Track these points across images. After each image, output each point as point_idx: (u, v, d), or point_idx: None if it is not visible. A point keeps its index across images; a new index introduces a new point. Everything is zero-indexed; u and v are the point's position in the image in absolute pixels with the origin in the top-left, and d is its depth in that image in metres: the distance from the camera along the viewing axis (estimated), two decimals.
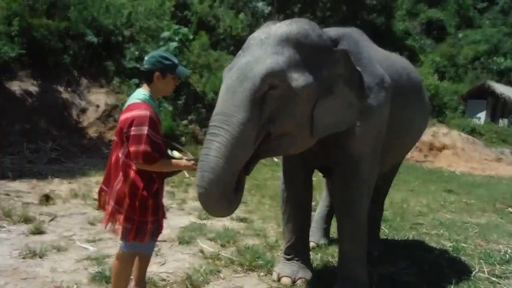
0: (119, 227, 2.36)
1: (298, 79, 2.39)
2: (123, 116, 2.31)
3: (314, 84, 2.45)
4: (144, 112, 2.26)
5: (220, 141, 2.25)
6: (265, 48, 2.42)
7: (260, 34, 2.54)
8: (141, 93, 2.38)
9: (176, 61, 2.42)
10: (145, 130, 2.22)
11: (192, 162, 2.41)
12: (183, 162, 2.40)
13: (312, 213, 3.79)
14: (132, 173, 2.32)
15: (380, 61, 2.96)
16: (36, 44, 8.86)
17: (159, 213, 2.47)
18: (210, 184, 2.23)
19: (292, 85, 2.36)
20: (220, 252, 3.72)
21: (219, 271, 3.35)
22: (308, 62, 2.45)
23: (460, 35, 31.26)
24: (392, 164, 3.76)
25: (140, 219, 2.34)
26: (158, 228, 2.49)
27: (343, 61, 2.55)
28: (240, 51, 2.59)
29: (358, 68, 2.57)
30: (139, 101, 2.32)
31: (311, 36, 2.50)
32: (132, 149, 2.24)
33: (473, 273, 3.71)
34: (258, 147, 2.42)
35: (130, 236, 2.35)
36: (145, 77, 2.40)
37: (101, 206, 2.55)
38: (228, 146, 2.24)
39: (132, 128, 2.24)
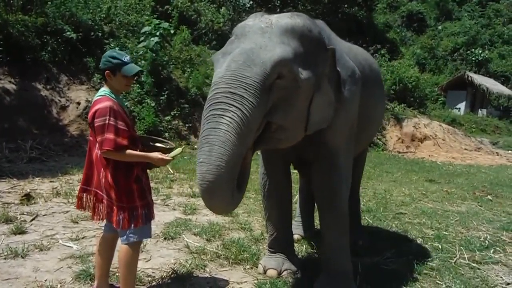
0: (118, 219, 2.47)
1: (302, 72, 2.36)
2: (89, 114, 2.47)
3: (313, 79, 2.45)
4: (105, 104, 2.40)
5: (232, 116, 2.09)
6: (269, 37, 2.34)
7: (257, 22, 2.46)
8: (102, 90, 2.53)
9: (125, 59, 2.49)
10: (107, 119, 2.35)
11: (161, 155, 2.50)
12: (153, 154, 2.49)
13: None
14: (110, 164, 2.43)
15: (346, 53, 2.98)
16: (12, 40, 8.64)
17: (148, 197, 2.57)
18: (220, 159, 2.03)
19: (297, 78, 2.33)
20: (205, 247, 3.73)
21: (205, 266, 3.35)
22: (309, 56, 2.44)
23: (440, 27, 31.75)
24: (362, 151, 3.89)
25: (129, 205, 2.46)
26: (150, 212, 2.58)
27: (330, 61, 2.56)
28: (232, 37, 2.49)
29: (338, 68, 2.60)
30: (100, 96, 2.48)
31: (313, 32, 2.50)
32: (98, 139, 2.37)
33: (454, 259, 3.80)
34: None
35: (124, 224, 2.45)
36: (102, 76, 2.57)
37: (82, 207, 2.63)
38: (240, 123, 2.09)
39: (95, 120, 2.38)
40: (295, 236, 4.10)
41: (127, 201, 2.45)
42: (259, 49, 2.26)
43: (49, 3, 9.68)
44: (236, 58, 2.25)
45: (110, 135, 2.33)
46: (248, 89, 2.15)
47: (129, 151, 2.40)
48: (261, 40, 2.31)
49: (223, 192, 2.10)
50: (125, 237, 2.51)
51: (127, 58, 2.50)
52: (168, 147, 2.69)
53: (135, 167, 2.49)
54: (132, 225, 2.47)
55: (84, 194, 2.60)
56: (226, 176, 2.06)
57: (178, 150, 2.68)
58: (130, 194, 2.46)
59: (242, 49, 2.28)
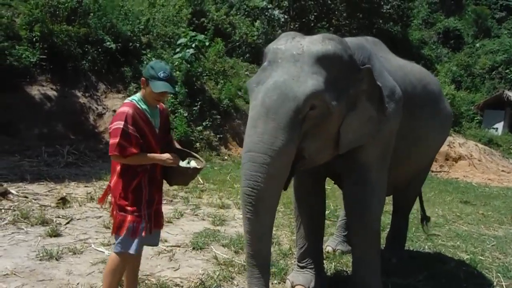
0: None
1: (333, 98, 2.42)
2: None
3: (344, 103, 2.50)
4: (124, 109, 2.40)
5: (267, 172, 2.26)
6: (301, 66, 2.40)
7: (289, 48, 2.48)
8: (134, 95, 2.55)
9: (160, 74, 2.39)
10: (121, 124, 2.33)
11: (169, 156, 2.44)
12: (161, 155, 2.45)
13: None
14: (117, 168, 2.45)
15: (393, 72, 2.96)
16: (55, 49, 9.04)
17: (142, 211, 2.45)
18: (264, 217, 2.34)
19: (329, 106, 2.40)
20: (233, 259, 3.73)
21: (232, 278, 3.35)
22: (340, 81, 2.48)
23: (478, 44, 30.91)
24: (412, 174, 3.74)
25: (120, 213, 2.44)
26: (138, 227, 2.43)
27: (367, 78, 2.58)
28: (265, 64, 2.53)
29: (378, 83, 2.60)
30: (128, 101, 2.48)
31: (344, 57, 2.52)
32: (110, 141, 2.37)
33: (491, 287, 3.65)
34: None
35: (113, 229, 2.47)
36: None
37: (102, 202, 2.70)
38: (275, 175, 2.30)
39: (112, 124, 2.39)
40: (328, 248, 4.08)
41: (118, 209, 2.44)
42: (292, 81, 2.34)
43: (92, 14, 10.08)
44: (270, 93, 2.34)
45: (118, 140, 2.31)
46: (283, 128, 2.28)
47: (137, 155, 2.36)
48: (293, 70, 2.39)
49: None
50: (113, 244, 2.52)
51: (163, 74, 2.41)
52: (199, 167, 2.60)
53: (139, 176, 2.44)
54: (118, 233, 2.43)
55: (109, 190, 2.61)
56: (269, 231, 2.44)
57: (195, 164, 2.59)
58: (123, 202, 2.43)
59: (275, 82, 2.37)
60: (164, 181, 2.66)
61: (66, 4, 9.61)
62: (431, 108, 3.52)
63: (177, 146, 2.77)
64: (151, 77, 2.42)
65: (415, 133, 3.21)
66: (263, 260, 2.42)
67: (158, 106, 2.58)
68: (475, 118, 22.40)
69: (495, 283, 3.72)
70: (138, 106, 2.46)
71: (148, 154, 2.43)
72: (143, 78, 2.47)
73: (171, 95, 10.02)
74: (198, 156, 2.70)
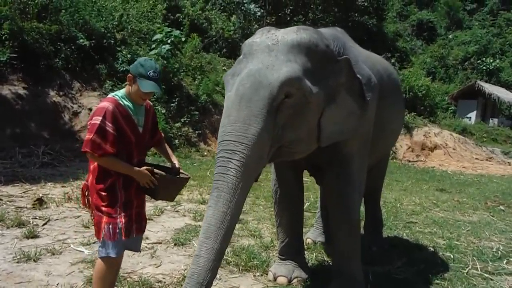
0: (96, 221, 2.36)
1: (311, 87, 2.37)
2: None
3: (322, 93, 2.45)
4: (104, 104, 2.28)
5: (239, 159, 2.18)
6: (275, 55, 2.35)
7: (264, 40, 2.46)
8: (118, 91, 2.43)
9: (149, 73, 2.28)
10: (98, 120, 2.22)
11: (147, 173, 2.31)
12: (138, 170, 2.32)
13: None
14: (91, 166, 2.35)
15: (364, 61, 2.98)
16: (27, 48, 8.79)
17: (116, 215, 2.31)
18: (226, 206, 2.13)
19: (306, 94, 2.34)
20: None
21: None
22: (317, 70, 2.44)
23: (450, 36, 31.62)
24: (377, 160, 3.83)
25: (97, 213, 2.33)
26: (114, 231, 2.30)
27: (346, 70, 2.55)
28: (241, 57, 2.52)
29: (358, 76, 2.58)
30: (110, 96, 2.37)
31: (320, 46, 2.49)
32: (86, 137, 2.25)
33: (467, 270, 3.76)
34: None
35: (95, 230, 2.36)
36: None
37: (84, 204, 2.50)
38: (247, 164, 2.18)
39: (91, 120, 2.27)
40: (308, 240, 4.11)
41: (95, 208, 2.33)
42: (266, 69, 2.30)
43: (64, 11, 9.84)
44: (243, 81, 2.31)
45: (94, 137, 2.21)
46: (256, 115, 2.22)
47: (112, 158, 2.25)
48: (268, 59, 2.34)
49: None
50: (98, 248, 2.40)
51: (152, 73, 2.29)
52: (183, 177, 2.52)
53: (113, 177, 2.31)
54: (98, 236, 2.32)
55: (87, 191, 2.46)
56: (231, 224, 2.17)
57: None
58: (99, 202, 2.30)
59: (250, 71, 2.33)
60: None
61: (36, 1, 9.34)
62: (395, 96, 3.67)
63: (167, 149, 2.65)
64: (139, 75, 2.30)
65: (383, 121, 3.25)
66: (212, 262, 2.08)
67: (143, 103, 2.46)
68: (449, 108, 23.03)
69: (470, 266, 3.83)
70: (120, 102, 2.33)
71: (124, 164, 2.30)
72: (130, 75, 2.34)
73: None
74: (183, 171, 2.60)
